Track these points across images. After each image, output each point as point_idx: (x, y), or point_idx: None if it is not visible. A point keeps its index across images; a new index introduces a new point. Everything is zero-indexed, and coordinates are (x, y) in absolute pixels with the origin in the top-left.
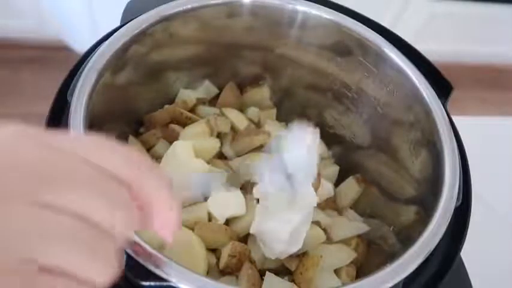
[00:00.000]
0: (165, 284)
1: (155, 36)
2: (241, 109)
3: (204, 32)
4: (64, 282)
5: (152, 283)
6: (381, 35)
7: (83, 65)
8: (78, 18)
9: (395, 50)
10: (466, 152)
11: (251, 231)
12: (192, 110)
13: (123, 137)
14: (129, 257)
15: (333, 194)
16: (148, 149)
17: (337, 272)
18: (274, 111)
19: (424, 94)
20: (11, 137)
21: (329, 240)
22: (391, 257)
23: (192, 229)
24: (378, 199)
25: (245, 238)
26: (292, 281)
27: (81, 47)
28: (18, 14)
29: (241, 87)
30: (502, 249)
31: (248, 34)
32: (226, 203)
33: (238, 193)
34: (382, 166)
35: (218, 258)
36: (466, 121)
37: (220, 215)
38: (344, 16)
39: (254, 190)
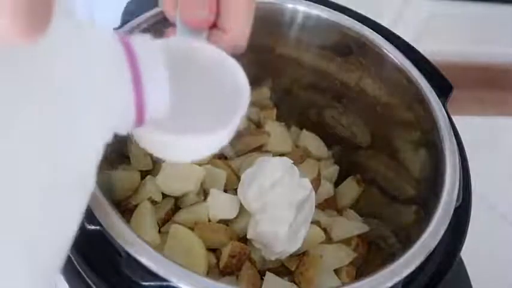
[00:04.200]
0: (165, 284)
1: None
2: None
3: None
4: None
5: (152, 283)
6: (380, 35)
7: None
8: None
9: (395, 50)
10: (466, 152)
11: (248, 237)
12: None
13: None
14: (129, 256)
15: (333, 194)
16: None
17: (337, 272)
18: (274, 111)
19: (424, 94)
20: None
21: (329, 240)
22: (391, 257)
23: (192, 229)
24: (378, 199)
25: (245, 238)
26: (292, 281)
27: None
28: None
29: None
30: (502, 249)
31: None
32: (220, 204)
33: (232, 196)
34: (382, 166)
35: (218, 258)
36: (466, 121)
37: (212, 216)
38: (344, 16)
39: (240, 196)
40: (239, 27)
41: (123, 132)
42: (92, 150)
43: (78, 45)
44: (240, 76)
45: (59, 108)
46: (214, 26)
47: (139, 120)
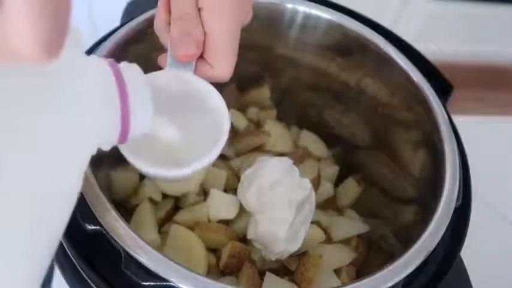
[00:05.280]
0: (165, 284)
1: (155, 36)
2: (241, 109)
3: None
4: None
5: (152, 283)
6: (380, 35)
7: None
8: (78, 19)
9: (395, 50)
10: (466, 152)
11: (248, 237)
12: None
13: None
14: (129, 256)
15: (333, 194)
16: None
17: (337, 272)
18: (274, 111)
19: (424, 94)
20: None
21: (329, 240)
22: (391, 257)
23: (192, 229)
24: (378, 199)
25: (245, 238)
26: (292, 281)
27: None
28: None
29: (241, 87)
30: (502, 249)
31: (248, 34)
32: (220, 204)
33: (232, 196)
34: (382, 166)
35: (218, 258)
36: (466, 121)
37: (212, 216)
38: (344, 16)
39: (240, 196)
40: (223, 64)
41: (106, 148)
42: (79, 164)
43: (76, 68)
44: (222, 111)
45: (55, 124)
46: (201, 56)
47: (123, 138)
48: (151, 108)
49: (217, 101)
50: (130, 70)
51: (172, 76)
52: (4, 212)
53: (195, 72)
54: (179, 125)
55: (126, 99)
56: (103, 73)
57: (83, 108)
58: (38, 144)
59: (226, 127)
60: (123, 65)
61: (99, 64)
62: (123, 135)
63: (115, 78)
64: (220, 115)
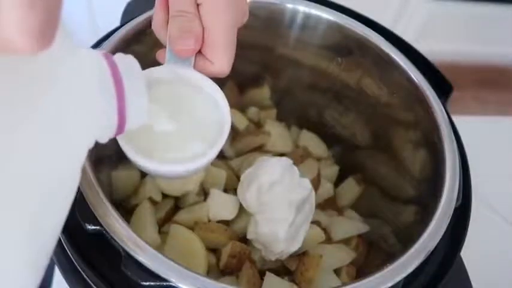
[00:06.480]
0: (165, 284)
1: (155, 36)
2: (241, 109)
3: None
4: None
5: (152, 283)
6: (381, 35)
7: None
8: (78, 19)
9: (395, 50)
10: (466, 152)
11: (248, 237)
12: None
13: None
14: (129, 256)
15: (333, 194)
16: None
17: (337, 272)
18: (274, 111)
19: (424, 94)
20: None
21: (329, 240)
22: (391, 257)
23: (192, 229)
24: (378, 199)
25: (245, 238)
26: (292, 281)
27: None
28: None
29: (241, 87)
30: (502, 249)
31: (248, 34)
32: (220, 204)
33: (232, 196)
34: (382, 166)
35: (218, 258)
36: (466, 121)
37: (212, 216)
38: (344, 16)
39: (239, 196)
40: (222, 59)
41: (103, 140)
42: (77, 157)
43: (70, 61)
44: (223, 106)
45: (50, 117)
46: (199, 52)
47: (120, 129)
48: (147, 98)
49: (217, 95)
50: (125, 61)
51: (171, 71)
52: (2, 207)
53: (194, 67)
54: (178, 121)
55: (121, 90)
56: (97, 65)
57: (79, 100)
58: (34, 137)
59: (227, 126)
60: (118, 56)
61: (93, 56)
62: (120, 126)
63: (110, 70)
64: (221, 111)
